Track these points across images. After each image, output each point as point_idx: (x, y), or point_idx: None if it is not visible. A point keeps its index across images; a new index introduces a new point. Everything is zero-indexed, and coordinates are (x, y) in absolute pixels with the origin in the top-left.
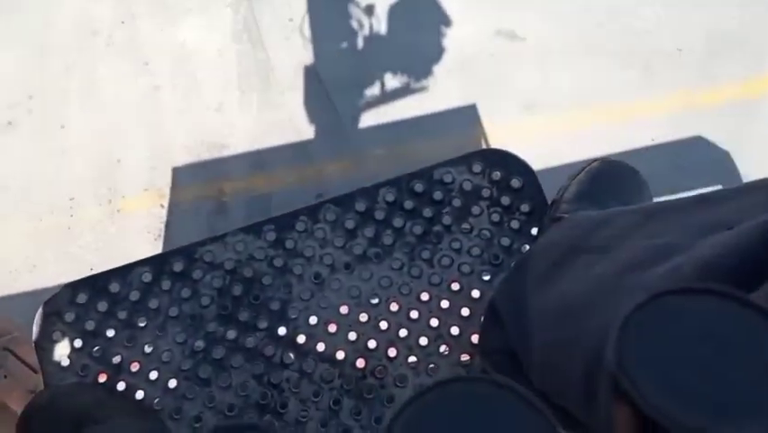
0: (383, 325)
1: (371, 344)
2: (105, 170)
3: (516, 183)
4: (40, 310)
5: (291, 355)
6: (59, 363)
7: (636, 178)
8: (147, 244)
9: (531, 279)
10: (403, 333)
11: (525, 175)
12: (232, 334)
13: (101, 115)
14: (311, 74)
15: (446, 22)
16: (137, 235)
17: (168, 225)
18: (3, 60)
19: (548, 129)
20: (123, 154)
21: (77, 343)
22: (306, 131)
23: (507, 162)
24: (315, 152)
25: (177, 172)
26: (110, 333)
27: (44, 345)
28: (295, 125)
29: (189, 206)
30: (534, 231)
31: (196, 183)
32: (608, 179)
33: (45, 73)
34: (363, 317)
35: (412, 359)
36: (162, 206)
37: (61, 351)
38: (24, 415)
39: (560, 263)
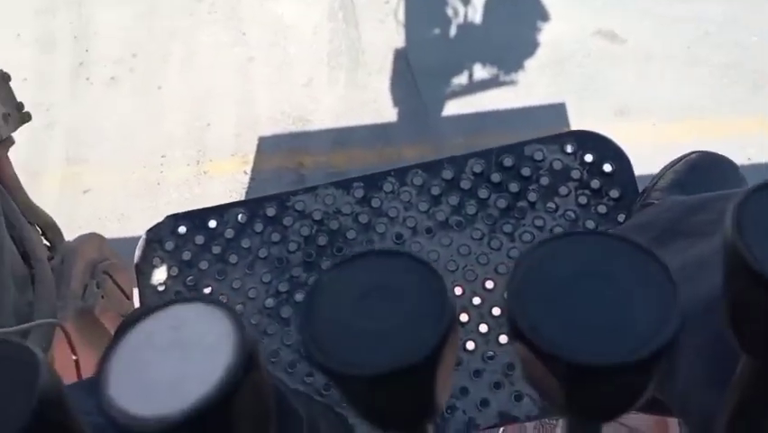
0: (458, 290)
1: None
2: (196, 132)
3: (608, 168)
4: (143, 236)
5: None
6: (155, 287)
7: (736, 173)
8: None
9: None
10: (476, 301)
11: (619, 161)
12: (314, 281)
13: (197, 80)
14: (400, 58)
15: (544, 17)
16: (220, 198)
17: (249, 191)
18: (114, 18)
19: (639, 136)
20: (214, 119)
21: (174, 271)
22: (389, 113)
23: (602, 146)
24: (396, 135)
25: (262, 141)
26: (203, 265)
27: (144, 269)
28: (378, 107)
29: (270, 175)
30: (622, 218)
31: (278, 153)
32: (707, 170)
33: (150, 34)
34: None
35: (483, 327)
36: (246, 172)
37: (159, 276)
38: (122, 326)
39: (650, 244)
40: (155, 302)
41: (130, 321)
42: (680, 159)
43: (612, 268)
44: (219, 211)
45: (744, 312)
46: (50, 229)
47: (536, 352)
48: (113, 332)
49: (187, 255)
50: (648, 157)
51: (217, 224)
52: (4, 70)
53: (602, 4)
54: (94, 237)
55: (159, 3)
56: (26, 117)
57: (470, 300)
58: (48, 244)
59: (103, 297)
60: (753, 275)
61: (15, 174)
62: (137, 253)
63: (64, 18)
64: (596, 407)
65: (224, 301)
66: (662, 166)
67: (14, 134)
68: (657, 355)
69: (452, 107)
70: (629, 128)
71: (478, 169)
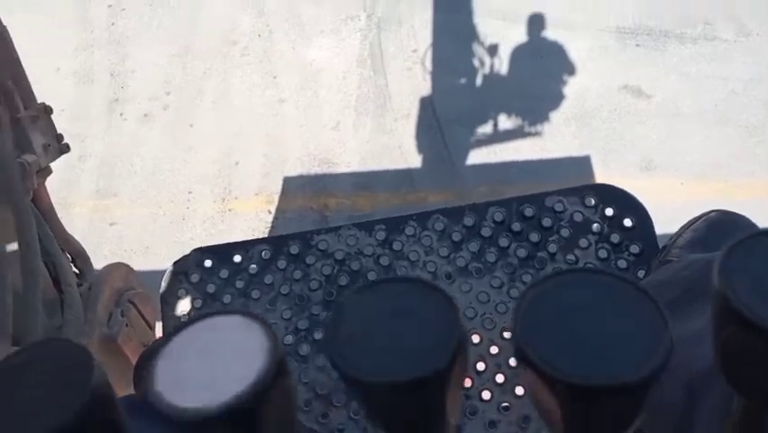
0: (475, 338)
1: None
2: (224, 170)
3: (628, 222)
4: (170, 267)
5: None
6: (178, 318)
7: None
8: None
9: None
10: (494, 350)
11: (639, 216)
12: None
13: (228, 119)
14: (426, 105)
15: (571, 71)
16: (242, 236)
17: (271, 230)
18: (151, 55)
19: (663, 193)
20: (242, 158)
21: (198, 303)
22: (414, 159)
23: (622, 201)
24: (420, 180)
25: (287, 182)
26: (227, 299)
27: (169, 300)
28: (403, 152)
29: (294, 215)
30: (641, 274)
31: (303, 194)
32: (725, 229)
33: (185, 73)
34: None
35: (500, 378)
36: (270, 211)
37: (183, 307)
38: (145, 354)
39: (672, 305)
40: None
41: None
42: (699, 217)
43: (610, 303)
44: (244, 247)
45: (734, 356)
46: (80, 257)
47: (539, 374)
48: (134, 361)
49: (211, 288)
50: (674, 214)
51: (242, 259)
52: (47, 103)
53: (629, 60)
54: (121, 267)
55: (194, 44)
56: (65, 149)
57: (488, 349)
58: (77, 271)
59: (127, 325)
60: (741, 320)
61: (51, 203)
62: (163, 283)
63: (103, 55)
64: (592, 428)
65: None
66: (685, 221)
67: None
68: (646, 380)
69: (477, 156)
70: (655, 184)
71: (499, 217)
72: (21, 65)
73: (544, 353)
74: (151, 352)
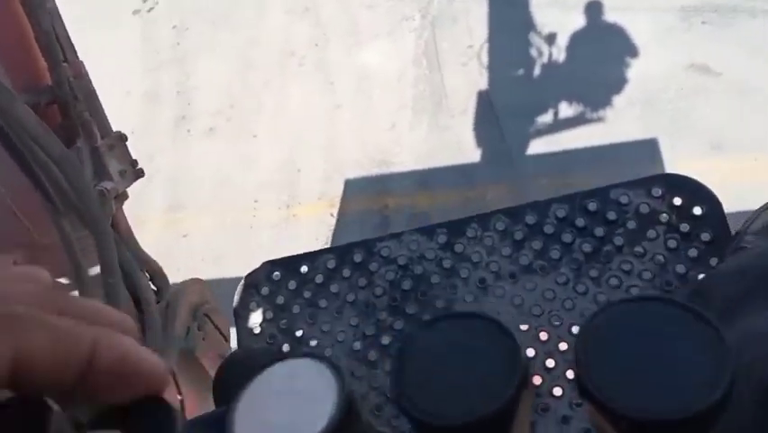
0: (543, 336)
1: (529, 352)
2: (287, 177)
3: (697, 210)
4: (242, 282)
5: None
6: (251, 330)
7: None
8: None
9: (710, 307)
10: (563, 346)
11: (709, 203)
12: (399, 324)
13: (288, 128)
14: (483, 100)
15: (633, 53)
16: (307, 241)
17: (335, 233)
18: (213, 71)
19: (735, 172)
20: (304, 165)
21: (269, 314)
22: (473, 154)
23: (690, 189)
24: (479, 176)
25: (348, 185)
26: (296, 309)
27: (241, 313)
28: (462, 148)
29: (356, 217)
30: (714, 262)
31: (363, 196)
32: None
33: (246, 86)
34: (524, 327)
35: (570, 373)
36: (332, 215)
37: (255, 320)
38: (224, 365)
39: (745, 296)
40: (252, 343)
41: (237, 366)
42: None
43: (670, 333)
44: (310, 258)
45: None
46: (158, 276)
47: (602, 409)
48: (212, 372)
49: (280, 300)
50: (746, 194)
51: (308, 269)
52: (121, 131)
53: (695, 39)
54: (196, 282)
55: (253, 58)
56: (140, 173)
57: (557, 346)
58: (155, 289)
59: (204, 339)
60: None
61: (129, 226)
62: (235, 297)
63: (169, 75)
64: None
65: (315, 345)
66: (759, 200)
67: None
68: (706, 414)
69: (537, 146)
70: (724, 163)
71: (561, 214)
72: (97, 97)
73: (605, 388)
74: (228, 365)
